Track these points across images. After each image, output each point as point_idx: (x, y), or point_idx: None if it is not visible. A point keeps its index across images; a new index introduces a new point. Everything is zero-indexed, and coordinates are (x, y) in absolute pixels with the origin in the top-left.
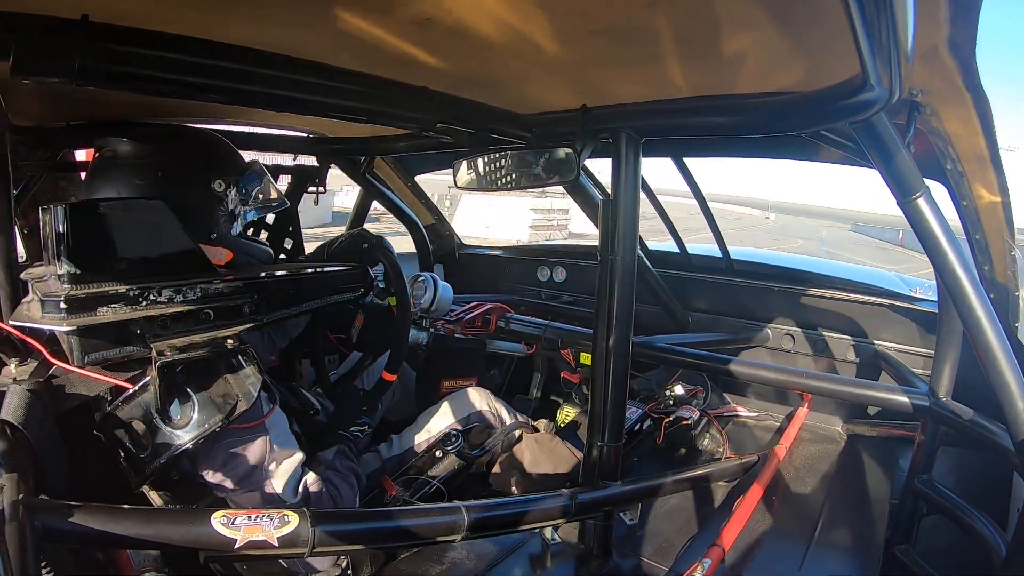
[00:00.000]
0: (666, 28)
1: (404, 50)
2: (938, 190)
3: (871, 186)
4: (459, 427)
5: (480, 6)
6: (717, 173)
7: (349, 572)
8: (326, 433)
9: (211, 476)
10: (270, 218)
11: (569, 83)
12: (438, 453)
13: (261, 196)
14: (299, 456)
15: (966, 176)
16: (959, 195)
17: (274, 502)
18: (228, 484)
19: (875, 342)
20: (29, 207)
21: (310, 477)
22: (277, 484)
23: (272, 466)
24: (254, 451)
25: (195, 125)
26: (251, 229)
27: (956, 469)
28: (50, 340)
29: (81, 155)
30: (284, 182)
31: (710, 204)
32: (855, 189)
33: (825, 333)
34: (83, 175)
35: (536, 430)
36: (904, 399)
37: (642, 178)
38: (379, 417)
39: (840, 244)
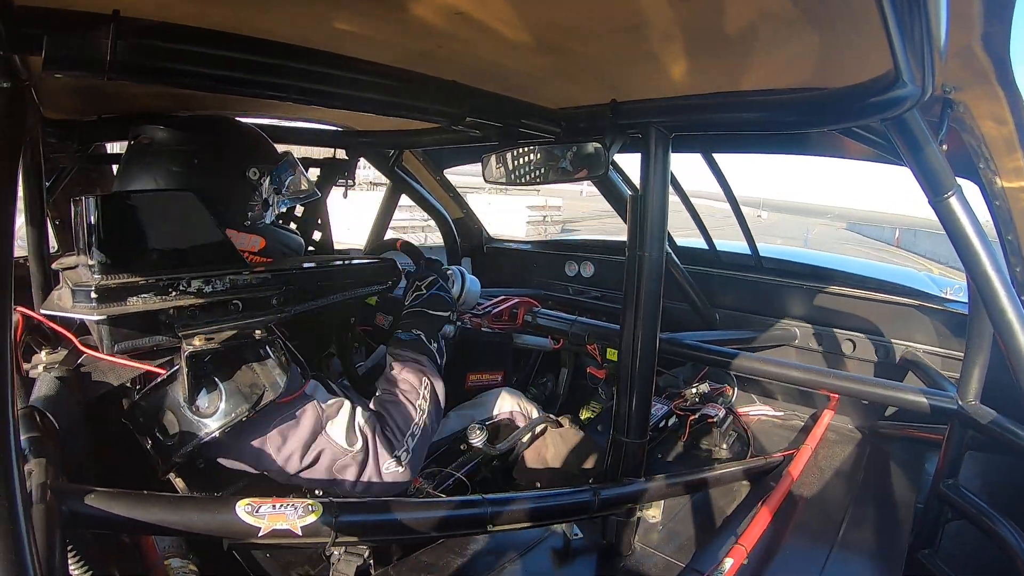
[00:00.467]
0: (696, 23)
1: (434, 44)
2: (970, 189)
3: (871, 183)
4: (484, 422)
5: (510, 1)
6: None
7: (371, 562)
8: None
9: (276, 456)
10: (299, 211)
11: (598, 78)
12: (462, 446)
13: (294, 186)
14: (346, 403)
15: (999, 175)
16: (991, 194)
17: (341, 456)
18: (294, 459)
19: (904, 343)
20: (61, 199)
21: (359, 416)
22: (337, 436)
23: (328, 425)
24: (308, 418)
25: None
26: (280, 220)
27: (982, 474)
28: (80, 329)
29: (112, 148)
30: (313, 176)
31: (703, 201)
32: (857, 186)
33: (853, 333)
34: (114, 167)
35: (560, 425)
36: (931, 402)
37: (671, 174)
38: None
39: (829, 243)
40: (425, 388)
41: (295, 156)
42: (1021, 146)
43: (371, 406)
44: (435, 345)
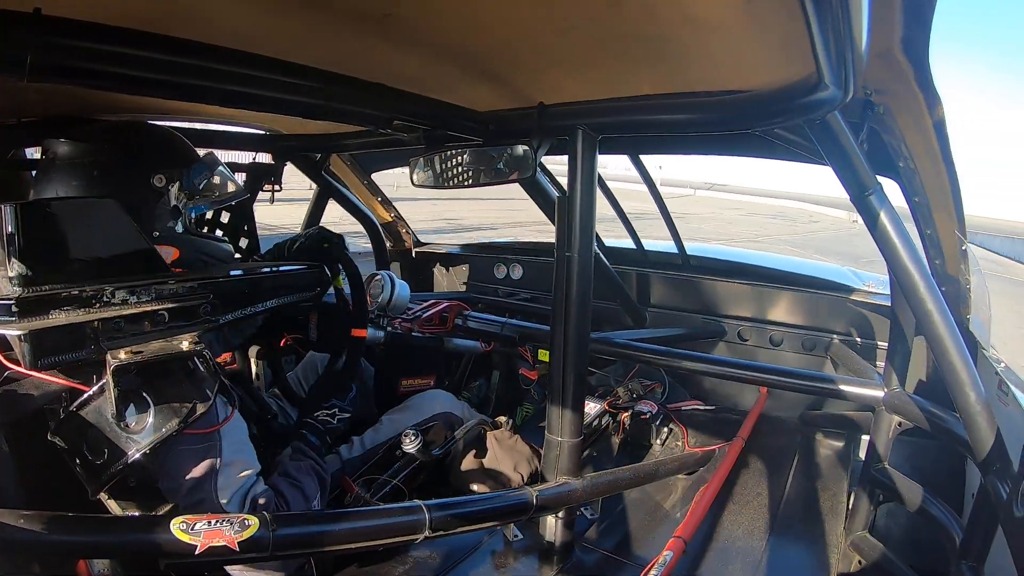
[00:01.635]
0: (622, 27)
1: (361, 46)
2: (890, 186)
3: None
4: (419, 427)
5: (439, 3)
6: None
7: (313, 573)
8: (285, 433)
9: (161, 484)
10: (224, 217)
11: (527, 80)
12: (398, 453)
13: (211, 189)
14: (250, 469)
15: (918, 173)
16: (911, 191)
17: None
18: (179, 494)
19: (830, 335)
20: None
21: (258, 488)
22: (222, 497)
23: (219, 479)
24: (202, 464)
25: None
26: (205, 228)
27: (911, 458)
28: (2, 344)
29: (32, 153)
30: (239, 180)
31: (633, 188)
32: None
33: (781, 327)
34: (35, 174)
35: (496, 427)
36: (859, 390)
37: (599, 175)
38: (352, 397)
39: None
40: (317, 496)
41: (216, 156)
42: (939, 144)
43: (273, 482)
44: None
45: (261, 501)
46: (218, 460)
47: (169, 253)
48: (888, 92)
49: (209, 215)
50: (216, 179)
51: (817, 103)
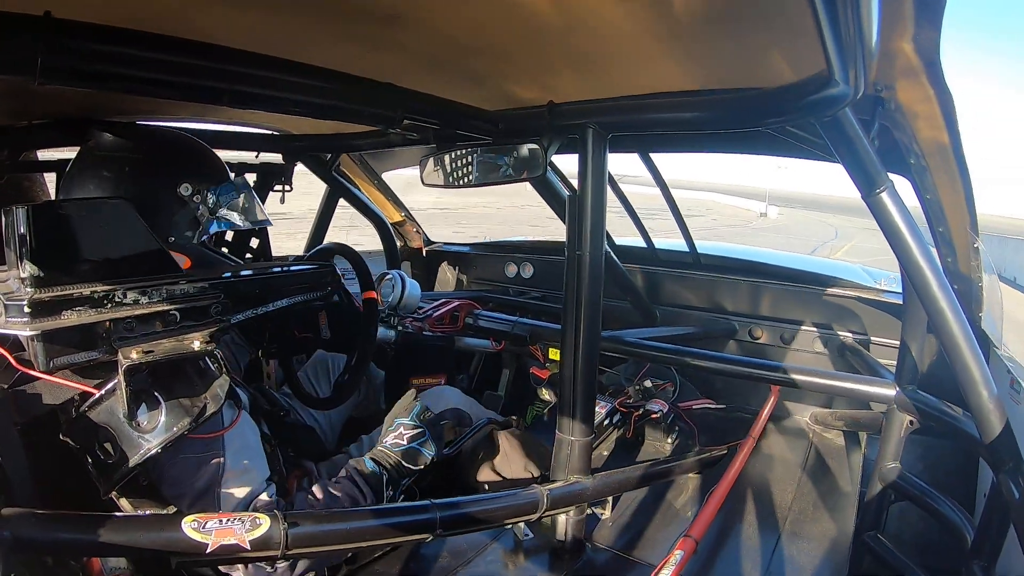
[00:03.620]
0: (632, 24)
1: (370, 46)
2: (902, 184)
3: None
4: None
5: (447, 2)
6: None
7: (324, 573)
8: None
9: (165, 491)
10: (240, 237)
11: (536, 79)
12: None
13: (235, 210)
14: (256, 477)
15: (929, 170)
16: (923, 189)
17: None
18: (183, 502)
19: (841, 333)
20: None
21: (263, 496)
22: (226, 507)
23: (222, 489)
24: (205, 471)
25: (174, 127)
26: (225, 248)
27: (923, 457)
28: (13, 345)
29: (44, 155)
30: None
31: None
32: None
33: (792, 325)
34: (47, 176)
35: (507, 426)
36: (870, 389)
37: (609, 174)
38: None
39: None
40: None
41: (248, 182)
42: (951, 142)
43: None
44: (390, 492)
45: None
46: (221, 468)
47: (181, 261)
48: (899, 89)
49: (229, 236)
50: (242, 202)
51: (828, 100)
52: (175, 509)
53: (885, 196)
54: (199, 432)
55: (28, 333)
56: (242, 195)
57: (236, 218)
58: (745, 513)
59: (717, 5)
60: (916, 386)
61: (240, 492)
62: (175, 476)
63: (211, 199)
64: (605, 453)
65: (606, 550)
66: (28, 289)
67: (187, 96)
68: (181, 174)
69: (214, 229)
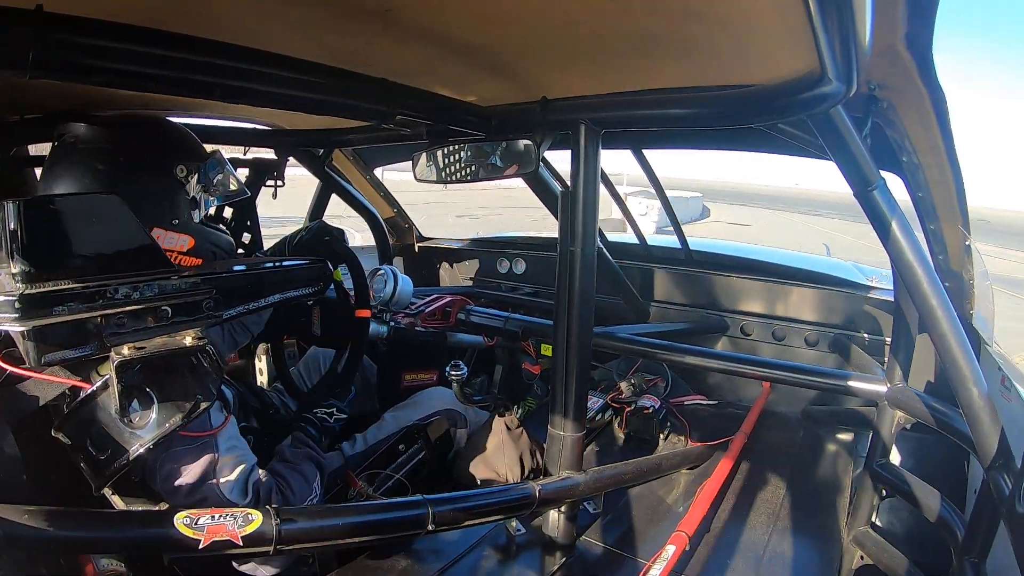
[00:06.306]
0: (624, 21)
1: (364, 41)
2: (894, 181)
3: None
4: (422, 422)
5: None
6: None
7: (316, 569)
8: (286, 424)
9: (163, 485)
10: (228, 212)
11: (529, 75)
12: (401, 447)
13: (222, 185)
14: (245, 460)
15: (922, 168)
16: (915, 186)
17: (224, 506)
18: (179, 495)
19: (833, 330)
20: None
21: (256, 475)
22: (225, 490)
23: (220, 476)
24: (200, 465)
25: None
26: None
27: (914, 453)
28: (3, 341)
29: (35, 150)
30: (241, 176)
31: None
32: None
33: (784, 321)
34: (37, 171)
35: (508, 411)
36: (862, 385)
37: (601, 170)
38: (350, 399)
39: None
40: (316, 482)
41: (223, 154)
42: (942, 139)
43: (273, 468)
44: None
45: (263, 482)
46: (215, 463)
47: (185, 241)
48: (891, 87)
49: (212, 211)
50: (227, 176)
51: (820, 98)
52: (167, 505)
53: (877, 193)
54: (191, 429)
55: (19, 329)
56: (224, 169)
57: (224, 191)
58: (737, 508)
59: (711, 2)
60: (907, 383)
61: (235, 475)
62: (169, 471)
63: (203, 177)
64: (597, 449)
65: (598, 545)
66: (18, 285)
67: (179, 90)
68: (173, 157)
69: (212, 206)
